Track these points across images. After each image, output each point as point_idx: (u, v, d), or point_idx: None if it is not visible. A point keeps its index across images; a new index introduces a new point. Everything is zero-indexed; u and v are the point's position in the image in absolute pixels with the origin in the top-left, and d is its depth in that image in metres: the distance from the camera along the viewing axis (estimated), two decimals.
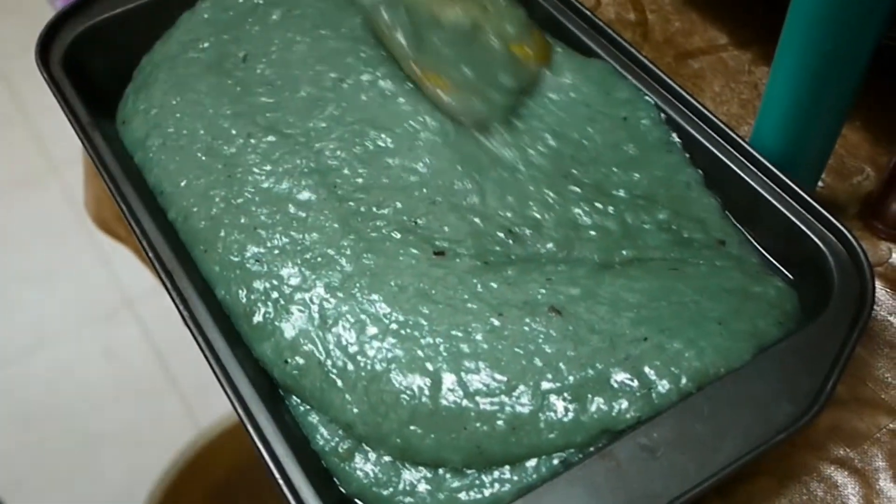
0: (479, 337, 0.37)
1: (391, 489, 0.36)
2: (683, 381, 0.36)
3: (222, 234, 0.41)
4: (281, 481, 0.34)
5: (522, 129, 0.45)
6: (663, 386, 0.36)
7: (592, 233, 0.41)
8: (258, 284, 0.40)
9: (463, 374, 0.37)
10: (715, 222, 0.42)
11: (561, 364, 0.37)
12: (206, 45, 0.49)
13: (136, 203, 0.42)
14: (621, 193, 0.43)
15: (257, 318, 0.39)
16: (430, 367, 0.37)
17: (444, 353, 0.37)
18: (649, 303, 0.38)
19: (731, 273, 0.39)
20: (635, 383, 0.36)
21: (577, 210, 0.42)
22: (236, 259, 0.41)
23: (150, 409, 1.27)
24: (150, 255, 0.40)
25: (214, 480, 1.04)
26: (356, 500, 0.36)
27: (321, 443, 0.37)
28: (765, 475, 0.38)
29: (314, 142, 0.45)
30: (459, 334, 0.38)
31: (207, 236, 0.42)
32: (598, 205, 0.42)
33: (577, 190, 0.43)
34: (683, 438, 0.34)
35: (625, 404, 0.35)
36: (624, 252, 0.41)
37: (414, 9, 0.46)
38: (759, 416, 0.34)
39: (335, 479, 0.37)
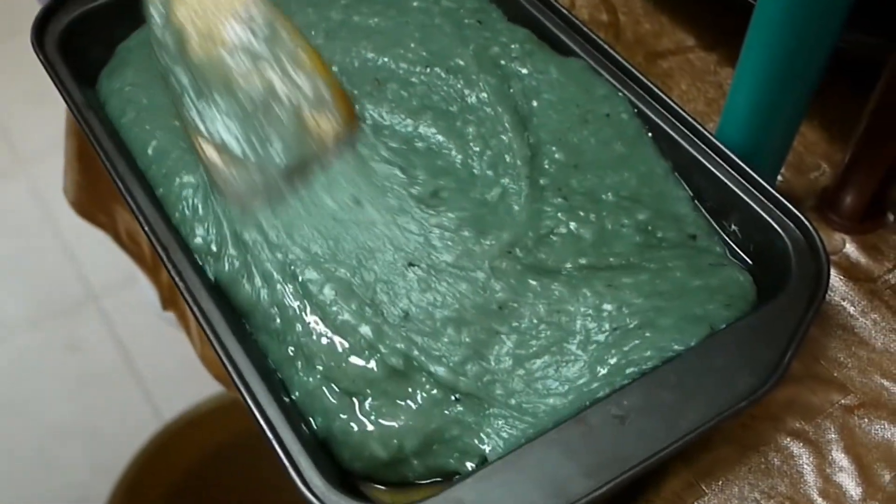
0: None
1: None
2: (648, 358, 0.38)
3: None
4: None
5: (534, 141, 0.46)
6: (630, 365, 0.38)
7: (555, 239, 0.43)
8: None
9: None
10: (688, 216, 0.44)
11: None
12: None
13: (130, 179, 0.43)
14: (609, 197, 0.44)
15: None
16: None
17: None
18: (615, 303, 0.40)
19: (694, 268, 0.41)
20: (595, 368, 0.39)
21: (561, 228, 0.43)
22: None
23: (112, 402, 1.27)
24: (146, 229, 0.41)
25: (178, 473, 1.04)
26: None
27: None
28: (726, 444, 0.40)
29: None
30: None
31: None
32: (581, 213, 0.43)
33: (565, 203, 0.44)
34: (651, 406, 0.36)
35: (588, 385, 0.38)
36: (581, 261, 0.42)
37: (205, 73, 0.42)
38: (722, 386, 0.37)
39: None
